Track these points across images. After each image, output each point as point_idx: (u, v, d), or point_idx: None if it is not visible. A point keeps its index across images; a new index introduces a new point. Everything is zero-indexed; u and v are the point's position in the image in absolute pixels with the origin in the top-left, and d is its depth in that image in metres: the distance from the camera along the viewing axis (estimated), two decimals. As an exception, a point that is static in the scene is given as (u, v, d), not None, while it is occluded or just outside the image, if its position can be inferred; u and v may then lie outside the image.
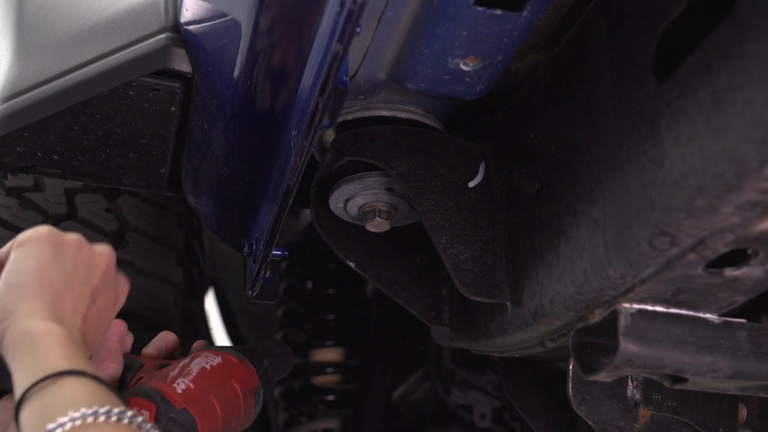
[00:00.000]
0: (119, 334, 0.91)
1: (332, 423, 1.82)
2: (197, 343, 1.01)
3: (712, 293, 0.65)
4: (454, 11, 0.71)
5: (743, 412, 0.94)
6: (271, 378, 1.01)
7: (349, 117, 0.96)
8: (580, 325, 0.74)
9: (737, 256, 0.60)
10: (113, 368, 0.87)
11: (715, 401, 0.89)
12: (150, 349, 0.98)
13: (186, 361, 0.90)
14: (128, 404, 0.79)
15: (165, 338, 1.00)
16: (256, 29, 0.79)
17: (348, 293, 1.86)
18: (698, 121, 0.55)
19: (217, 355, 0.93)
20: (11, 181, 1.42)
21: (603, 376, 0.71)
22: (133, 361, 0.91)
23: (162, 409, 0.80)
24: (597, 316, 0.72)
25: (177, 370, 0.87)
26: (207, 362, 0.91)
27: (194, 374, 0.87)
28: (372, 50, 0.79)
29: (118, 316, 0.90)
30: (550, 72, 0.83)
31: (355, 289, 1.85)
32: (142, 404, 0.80)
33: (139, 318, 1.39)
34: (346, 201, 0.99)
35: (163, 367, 0.90)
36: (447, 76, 0.81)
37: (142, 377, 0.88)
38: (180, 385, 0.84)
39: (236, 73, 0.87)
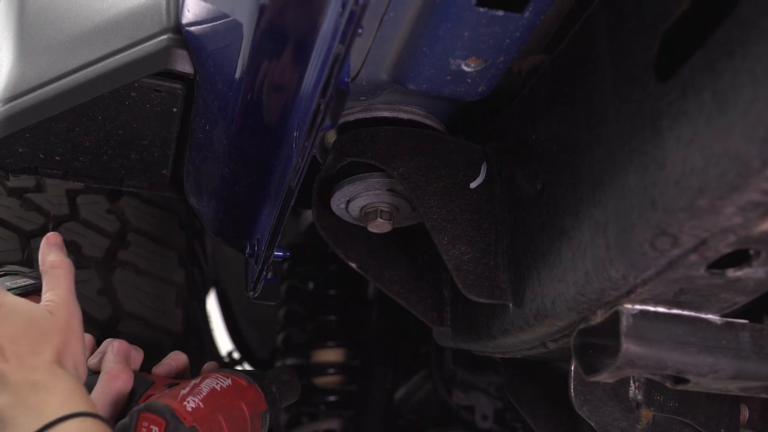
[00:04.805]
0: (124, 351, 0.93)
1: (334, 423, 1.82)
2: (208, 364, 1.02)
3: (714, 294, 0.65)
4: (455, 12, 0.71)
5: (745, 413, 0.94)
6: (278, 403, 1.03)
7: (351, 118, 0.96)
8: (582, 325, 0.74)
9: (739, 257, 0.60)
10: (122, 384, 0.88)
11: (717, 402, 0.89)
12: (160, 368, 0.99)
13: (197, 380, 0.91)
14: (138, 419, 0.80)
15: (175, 358, 1.02)
16: (257, 30, 0.79)
17: (349, 294, 1.86)
18: (700, 122, 0.55)
19: (228, 377, 0.94)
20: (13, 182, 1.42)
21: (605, 377, 0.71)
22: (143, 378, 0.92)
23: (171, 425, 0.80)
24: (599, 317, 0.72)
25: (187, 389, 0.87)
26: (217, 383, 0.91)
27: (204, 394, 0.87)
28: (374, 51, 0.79)
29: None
30: (551, 73, 0.83)
31: (357, 289, 1.85)
32: (152, 419, 0.80)
33: (141, 319, 1.39)
34: (348, 202, 0.99)
35: (173, 386, 0.91)
36: (449, 77, 0.81)
37: (152, 394, 0.89)
38: (190, 404, 0.84)
39: (238, 74, 0.87)
